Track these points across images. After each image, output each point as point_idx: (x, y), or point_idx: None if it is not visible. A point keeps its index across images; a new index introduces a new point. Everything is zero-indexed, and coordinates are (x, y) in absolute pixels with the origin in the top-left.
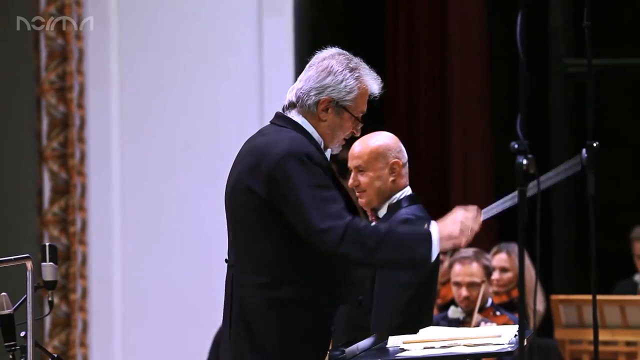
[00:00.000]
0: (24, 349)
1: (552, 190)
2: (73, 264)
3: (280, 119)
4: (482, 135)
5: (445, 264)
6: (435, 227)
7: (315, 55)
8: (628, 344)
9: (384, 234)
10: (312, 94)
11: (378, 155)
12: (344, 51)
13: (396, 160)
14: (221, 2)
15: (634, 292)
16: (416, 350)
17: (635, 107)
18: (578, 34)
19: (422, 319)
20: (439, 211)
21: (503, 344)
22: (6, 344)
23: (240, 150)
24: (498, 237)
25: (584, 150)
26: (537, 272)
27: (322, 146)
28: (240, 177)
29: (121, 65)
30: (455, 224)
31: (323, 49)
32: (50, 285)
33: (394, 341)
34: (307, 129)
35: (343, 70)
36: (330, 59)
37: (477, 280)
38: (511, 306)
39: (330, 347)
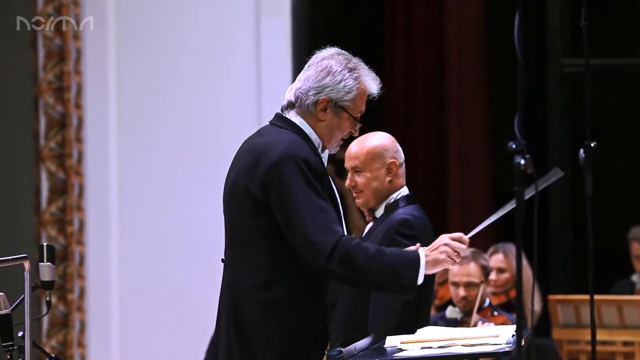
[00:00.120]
0: (21, 349)
1: (549, 190)
2: (71, 264)
3: (279, 120)
4: (479, 135)
5: None
6: (422, 252)
7: (315, 55)
8: (625, 344)
9: (372, 255)
10: (310, 93)
11: (375, 156)
12: (343, 51)
13: (393, 160)
14: (219, 2)
15: (632, 292)
16: (414, 350)
17: (633, 107)
18: (575, 34)
19: (420, 319)
20: (437, 211)
21: (501, 344)
22: (4, 344)
23: (239, 150)
24: (495, 238)
25: (581, 150)
26: (535, 272)
27: (319, 147)
28: (237, 177)
29: (119, 66)
30: (441, 251)
31: (321, 49)
32: (48, 286)
33: (391, 341)
34: (305, 130)
35: (342, 70)
36: (329, 59)
37: (475, 280)
38: (509, 306)
39: (328, 347)
